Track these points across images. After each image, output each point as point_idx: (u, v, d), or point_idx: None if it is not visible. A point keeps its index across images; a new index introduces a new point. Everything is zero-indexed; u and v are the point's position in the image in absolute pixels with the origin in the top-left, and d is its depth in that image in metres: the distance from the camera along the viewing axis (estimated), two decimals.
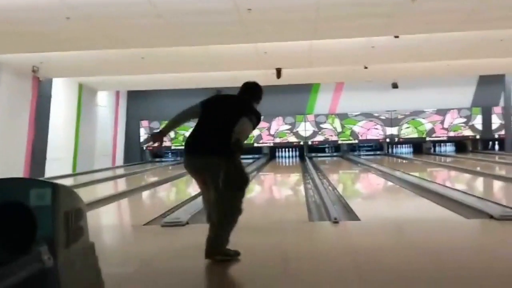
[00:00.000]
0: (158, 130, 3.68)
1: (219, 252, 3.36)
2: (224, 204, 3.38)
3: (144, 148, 17.25)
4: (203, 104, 3.64)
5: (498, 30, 8.54)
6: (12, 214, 1.93)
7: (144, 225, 4.89)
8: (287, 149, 17.26)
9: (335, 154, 17.19)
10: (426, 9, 6.85)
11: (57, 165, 12.04)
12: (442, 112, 16.69)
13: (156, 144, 3.48)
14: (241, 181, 3.45)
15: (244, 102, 3.59)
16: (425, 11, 6.96)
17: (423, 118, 16.82)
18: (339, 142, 16.92)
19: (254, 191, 8.51)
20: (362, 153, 17.38)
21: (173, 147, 17.17)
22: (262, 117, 3.64)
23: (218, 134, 3.39)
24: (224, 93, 3.78)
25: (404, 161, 14.88)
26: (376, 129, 16.88)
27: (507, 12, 7.12)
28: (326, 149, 17.56)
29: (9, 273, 1.61)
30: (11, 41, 8.09)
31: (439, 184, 8.03)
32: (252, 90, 3.70)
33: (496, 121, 16.52)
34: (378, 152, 17.29)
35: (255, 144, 16.84)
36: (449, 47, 9.90)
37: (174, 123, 3.68)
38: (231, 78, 13.06)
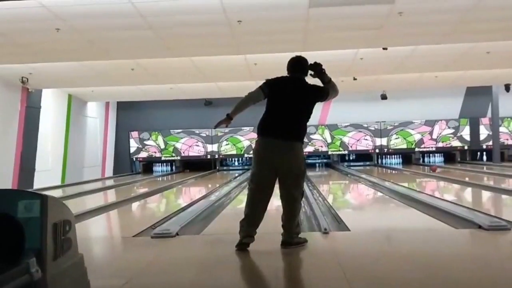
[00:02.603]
0: (229, 117, 3.88)
1: (296, 238, 3.83)
2: (299, 188, 3.85)
3: (134, 159, 17.18)
4: (269, 86, 3.88)
5: (484, 43, 8.68)
6: None
7: (133, 236, 4.86)
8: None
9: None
10: (413, 21, 6.95)
11: (46, 176, 11.94)
12: (431, 123, 16.85)
13: (224, 125, 3.92)
14: (305, 167, 3.95)
15: (308, 87, 3.93)
16: (413, 23, 7.06)
17: (412, 129, 16.96)
18: (329, 152, 16.98)
19: (245, 203, 8.49)
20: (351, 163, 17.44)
21: (163, 158, 17.13)
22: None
23: (296, 120, 3.83)
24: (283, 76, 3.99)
25: (393, 171, 14.96)
26: (366, 139, 16.98)
27: (493, 24, 7.25)
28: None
29: None
30: (0, 52, 8.06)
31: (428, 194, 8.08)
32: (301, 66, 3.99)
33: (484, 132, 16.70)
34: (367, 163, 17.38)
35: (246, 155, 16.86)
36: (437, 59, 10.03)
37: (242, 107, 3.88)
38: (221, 89, 13.11)
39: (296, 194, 3.86)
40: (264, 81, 3.94)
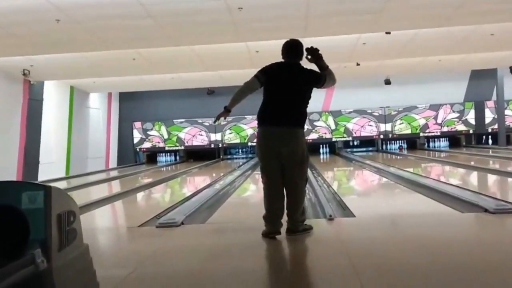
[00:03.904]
0: (226, 110, 3.89)
1: (301, 225, 3.82)
2: (303, 175, 3.82)
3: (138, 149, 17.21)
4: (265, 74, 3.82)
5: (488, 25, 8.58)
6: (4, 217, 1.90)
7: (138, 226, 4.87)
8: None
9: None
10: (414, 4, 6.88)
11: (50, 168, 11.97)
12: (435, 107, 16.76)
13: (221, 119, 4.00)
14: (308, 153, 3.90)
15: (304, 71, 3.85)
16: (413, 6, 6.99)
17: (416, 114, 16.88)
18: (333, 139, 16.94)
19: (249, 191, 8.51)
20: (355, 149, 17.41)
21: (166, 148, 17.15)
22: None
23: (294, 106, 3.77)
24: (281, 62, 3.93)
25: (398, 157, 14.92)
26: (370, 125, 16.92)
27: (495, 5, 7.16)
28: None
29: (2, 277, 1.59)
30: (1, 45, 8.03)
31: (433, 179, 8.06)
32: (297, 50, 3.90)
33: (489, 115, 16.61)
34: (370, 149, 17.36)
35: (249, 144, 16.85)
36: (440, 43, 9.94)
37: (238, 98, 3.84)
38: (223, 78, 13.06)
39: (299, 182, 3.82)
40: (260, 69, 3.88)
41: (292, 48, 3.92)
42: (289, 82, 3.80)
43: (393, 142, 17.54)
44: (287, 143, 3.75)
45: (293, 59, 3.89)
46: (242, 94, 3.83)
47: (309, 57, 3.95)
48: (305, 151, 3.85)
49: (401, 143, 17.33)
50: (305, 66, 3.93)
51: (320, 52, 3.94)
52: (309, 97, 3.89)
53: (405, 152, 13.65)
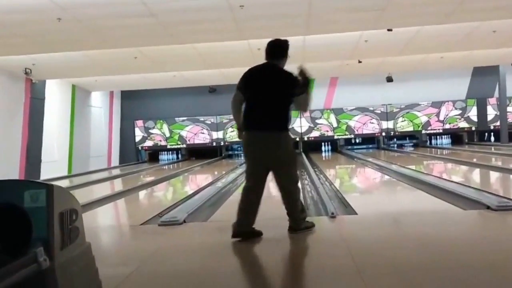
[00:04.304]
0: (237, 129, 3.84)
1: (302, 223, 3.82)
2: (291, 178, 3.76)
3: (140, 148, 17.22)
4: (243, 79, 3.77)
5: (491, 21, 8.56)
6: (6, 216, 1.91)
7: (141, 224, 4.87)
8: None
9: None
10: (417, 1, 6.86)
11: (53, 167, 11.99)
12: (437, 104, 16.73)
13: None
14: (295, 155, 3.91)
15: (282, 73, 3.73)
16: (415, 4, 6.97)
17: (419, 111, 16.85)
18: (335, 137, 16.93)
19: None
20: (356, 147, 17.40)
21: (168, 146, 17.16)
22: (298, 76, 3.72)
23: (273, 108, 3.64)
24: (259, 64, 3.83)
25: (400, 154, 14.90)
26: (372, 123, 16.90)
27: (497, 2, 7.13)
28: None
29: (5, 276, 1.59)
30: (2, 44, 8.04)
31: (435, 176, 8.05)
32: (276, 51, 3.78)
33: (491, 112, 16.57)
34: (370, 146, 17.36)
35: None
36: (442, 40, 9.92)
37: (235, 115, 3.78)
38: (224, 76, 13.06)
39: (289, 186, 3.76)
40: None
41: (272, 49, 3.79)
42: (265, 85, 3.70)
43: (395, 139, 17.53)
44: (270, 148, 3.65)
45: (273, 60, 3.78)
46: (235, 110, 3.75)
47: (299, 77, 3.73)
48: (290, 154, 3.78)
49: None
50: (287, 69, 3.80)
51: (307, 76, 3.70)
52: (289, 99, 3.69)
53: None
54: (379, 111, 16.86)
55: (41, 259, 1.77)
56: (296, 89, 3.66)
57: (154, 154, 17.43)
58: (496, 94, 16.23)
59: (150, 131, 17.12)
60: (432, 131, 16.96)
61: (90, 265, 2.15)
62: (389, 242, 3.62)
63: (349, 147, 17.17)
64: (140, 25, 7.29)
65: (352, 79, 16.22)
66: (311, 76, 3.72)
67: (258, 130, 3.67)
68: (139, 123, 17.10)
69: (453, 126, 16.82)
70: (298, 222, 3.82)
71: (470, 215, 4.58)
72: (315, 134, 16.81)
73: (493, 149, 13.95)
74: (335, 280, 2.79)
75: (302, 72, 3.70)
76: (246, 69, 3.88)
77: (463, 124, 16.76)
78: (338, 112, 16.85)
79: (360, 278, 2.73)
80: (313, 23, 7.64)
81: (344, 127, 16.87)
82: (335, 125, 16.88)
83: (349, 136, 17.02)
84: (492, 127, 16.69)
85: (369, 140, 17.47)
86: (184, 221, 4.64)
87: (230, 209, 5.93)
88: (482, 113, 16.60)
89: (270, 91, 3.68)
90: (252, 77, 3.76)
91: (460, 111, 16.72)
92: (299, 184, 3.97)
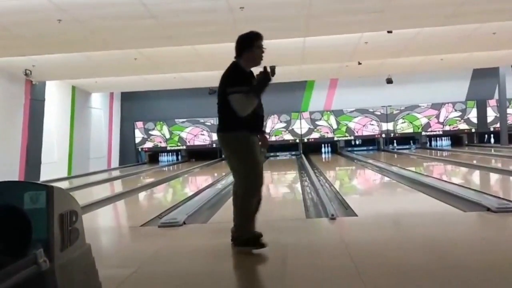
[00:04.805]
0: (264, 132, 3.79)
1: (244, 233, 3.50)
2: (240, 183, 3.53)
3: (140, 149, 17.22)
4: None
5: (490, 23, 8.56)
6: (6, 217, 1.91)
7: (141, 226, 4.87)
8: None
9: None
10: (416, 3, 6.86)
11: (53, 168, 11.99)
12: (437, 106, 16.73)
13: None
14: (245, 160, 3.57)
15: (227, 71, 3.61)
16: (416, 5, 6.97)
17: (418, 113, 16.85)
18: (335, 138, 16.92)
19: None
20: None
21: (168, 148, 17.16)
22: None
23: (219, 109, 3.58)
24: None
25: (400, 156, 14.90)
26: (372, 125, 16.90)
27: (497, 5, 7.14)
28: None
29: (5, 277, 1.59)
30: (2, 45, 8.04)
31: (435, 178, 8.05)
32: (238, 46, 3.62)
33: (491, 114, 16.57)
34: (370, 147, 17.36)
35: None
36: (443, 41, 9.92)
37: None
38: None
39: (236, 187, 3.59)
40: None
41: (235, 48, 3.63)
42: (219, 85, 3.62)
43: (395, 141, 17.53)
44: (223, 149, 3.62)
45: (235, 58, 3.63)
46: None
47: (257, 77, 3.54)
48: (238, 157, 3.49)
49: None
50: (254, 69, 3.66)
51: (266, 77, 3.48)
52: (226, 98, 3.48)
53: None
54: (379, 113, 16.86)
55: (41, 260, 1.77)
56: (227, 88, 3.44)
57: (154, 156, 17.42)
58: (496, 96, 16.22)
59: (150, 132, 17.12)
60: (432, 133, 16.97)
61: (90, 267, 2.15)
62: (389, 243, 3.62)
63: (349, 148, 17.18)
64: (140, 27, 7.29)
65: (352, 80, 16.22)
66: (270, 79, 3.48)
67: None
68: (139, 124, 17.10)
69: (453, 127, 16.82)
70: (240, 231, 3.54)
71: (470, 217, 4.58)
72: (315, 135, 16.81)
73: (493, 151, 13.95)
74: (335, 281, 2.79)
75: (262, 73, 3.47)
76: None
77: (463, 126, 16.76)
78: (338, 113, 16.85)
79: (360, 279, 2.72)
80: (313, 25, 7.65)
81: (344, 128, 16.87)
82: (335, 126, 16.88)
83: (349, 138, 17.03)
84: (492, 129, 16.68)
85: (369, 141, 17.47)
86: (184, 223, 4.64)
87: (229, 211, 5.93)
88: (482, 115, 16.60)
89: (218, 91, 3.61)
90: None
91: (460, 113, 16.72)
92: (253, 194, 3.52)
